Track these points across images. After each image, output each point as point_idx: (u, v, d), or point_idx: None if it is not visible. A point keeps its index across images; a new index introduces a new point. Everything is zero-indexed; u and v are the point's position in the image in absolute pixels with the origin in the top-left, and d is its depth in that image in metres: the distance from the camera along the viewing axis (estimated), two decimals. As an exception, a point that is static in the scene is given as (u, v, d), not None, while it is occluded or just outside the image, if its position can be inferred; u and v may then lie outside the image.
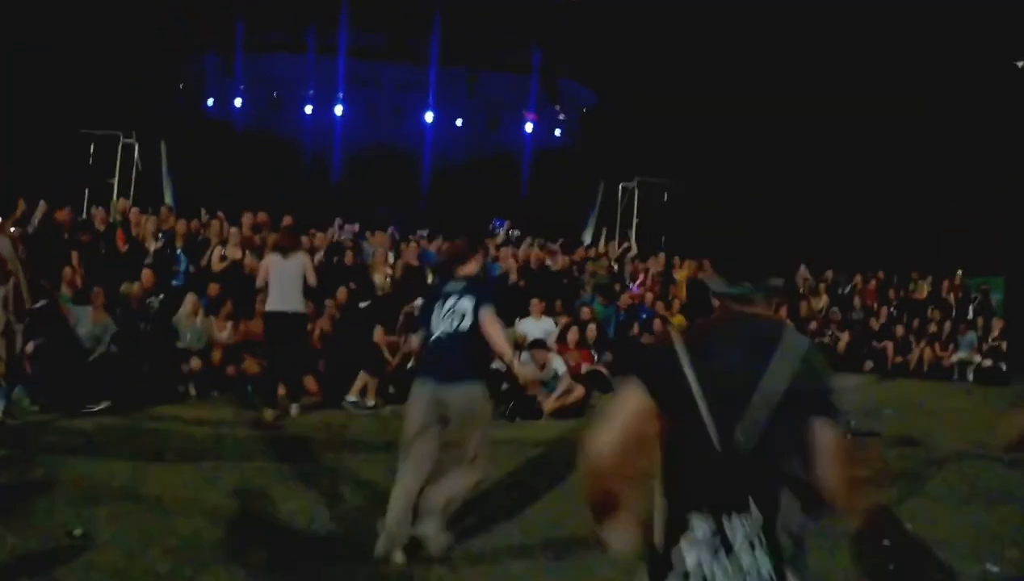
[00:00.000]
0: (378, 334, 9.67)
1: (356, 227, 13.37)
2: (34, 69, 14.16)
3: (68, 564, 4.21)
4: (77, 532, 4.60)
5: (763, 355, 2.07)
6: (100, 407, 7.89)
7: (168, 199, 16.89)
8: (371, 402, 9.10)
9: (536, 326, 10.69)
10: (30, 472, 5.77)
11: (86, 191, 14.61)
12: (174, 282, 10.33)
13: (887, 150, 17.24)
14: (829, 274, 16.08)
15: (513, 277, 12.22)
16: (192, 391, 9.12)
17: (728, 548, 2.02)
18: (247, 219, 11.33)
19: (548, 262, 13.28)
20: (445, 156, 21.44)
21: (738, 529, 2.01)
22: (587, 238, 20.47)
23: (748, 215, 17.07)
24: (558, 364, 9.78)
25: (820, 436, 2.03)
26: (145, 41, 16.24)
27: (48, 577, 4.06)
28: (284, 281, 8.32)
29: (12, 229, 9.46)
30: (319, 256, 11.02)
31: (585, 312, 11.55)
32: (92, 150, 15.12)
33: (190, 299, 9.55)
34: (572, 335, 10.74)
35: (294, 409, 8.48)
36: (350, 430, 8.14)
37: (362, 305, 10.56)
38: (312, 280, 8.47)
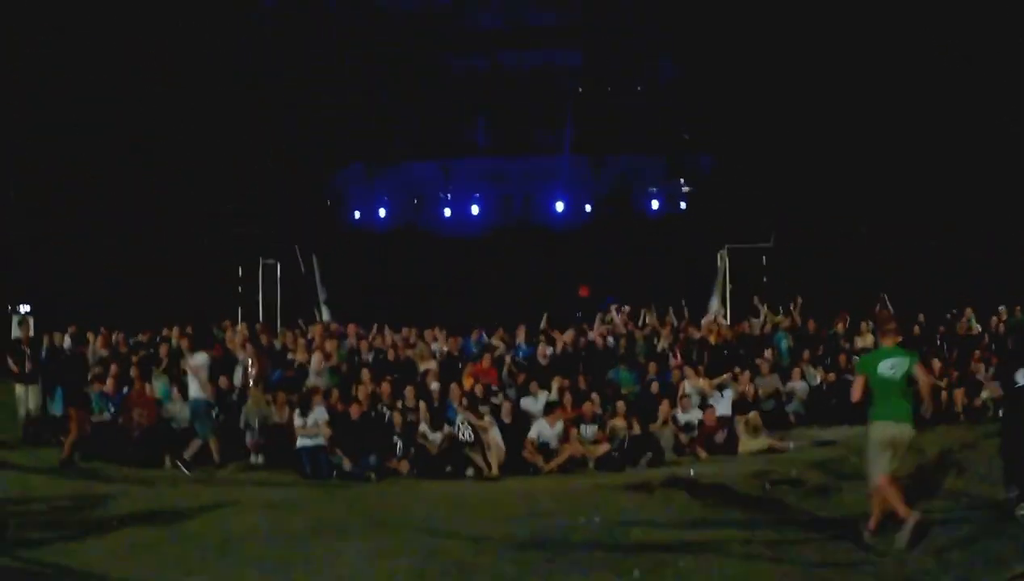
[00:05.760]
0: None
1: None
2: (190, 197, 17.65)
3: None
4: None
5: None
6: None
7: (325, 313, 19.78)
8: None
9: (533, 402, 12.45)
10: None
11: (239, 310, 17.87)
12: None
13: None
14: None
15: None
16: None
17: None
18: (319, 330, 13.74)
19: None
20: (573, 236, 22.68)
21: None
22: (713, 306, 20.84)
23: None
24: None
25: None
26: (292, 163, 19.61)
27: None
28: None
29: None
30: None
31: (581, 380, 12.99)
32: (240, 273, 18.45)
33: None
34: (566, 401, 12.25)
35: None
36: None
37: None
38: None
